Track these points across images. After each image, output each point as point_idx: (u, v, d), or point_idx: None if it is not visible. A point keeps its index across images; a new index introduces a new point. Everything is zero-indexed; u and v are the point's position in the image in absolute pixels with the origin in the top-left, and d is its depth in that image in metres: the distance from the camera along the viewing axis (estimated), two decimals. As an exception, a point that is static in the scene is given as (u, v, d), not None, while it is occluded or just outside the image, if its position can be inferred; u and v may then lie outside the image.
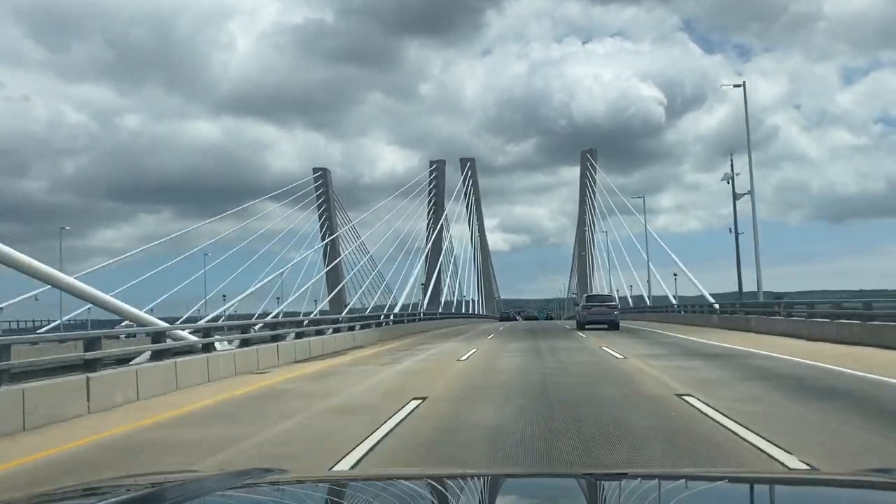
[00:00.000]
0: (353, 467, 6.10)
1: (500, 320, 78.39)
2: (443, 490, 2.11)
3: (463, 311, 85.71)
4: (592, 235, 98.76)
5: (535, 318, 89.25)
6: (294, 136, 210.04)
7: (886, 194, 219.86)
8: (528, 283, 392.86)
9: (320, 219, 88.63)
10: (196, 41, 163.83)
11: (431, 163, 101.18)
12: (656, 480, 2.18)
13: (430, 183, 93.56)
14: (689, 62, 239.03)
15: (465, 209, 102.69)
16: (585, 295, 39.93)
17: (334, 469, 5.96)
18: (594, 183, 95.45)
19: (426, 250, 79.21)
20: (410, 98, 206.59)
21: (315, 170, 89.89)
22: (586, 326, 31.97)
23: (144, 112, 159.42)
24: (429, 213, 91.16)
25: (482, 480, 2.26)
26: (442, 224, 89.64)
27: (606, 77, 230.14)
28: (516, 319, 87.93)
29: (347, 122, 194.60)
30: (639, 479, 2.24)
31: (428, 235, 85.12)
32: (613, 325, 31.56)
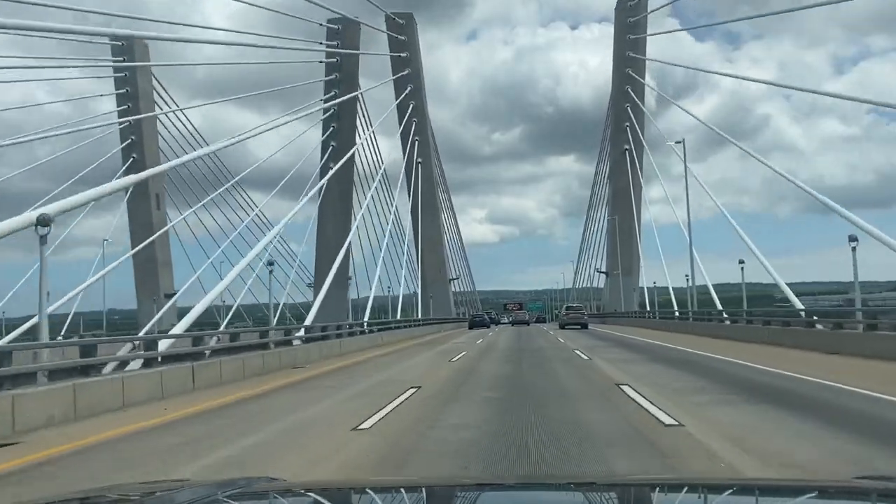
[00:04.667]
0: None
1: (471, 327, 54.16)
2: (430, 500, 2.14)
3: (399, 315, 47.76)
4: (638, 168, 60.68)
5: (525, 323, 62.98)
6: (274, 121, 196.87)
7: (876, 185, 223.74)
8: (517, 275, 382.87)
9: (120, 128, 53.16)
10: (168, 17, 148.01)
11: (331, 20, 55.19)
12: (646, 488, 2.22)
13: (327, 57, 55.04)
14: (679, 49, 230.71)
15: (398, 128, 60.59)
16: (565, 305, 55.87)
17: (326, 478, 5.91)
18: (640, 67, 59.26)
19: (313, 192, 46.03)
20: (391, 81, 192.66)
21: (115, 39, 49.69)
22: (566, 327, 45.45)
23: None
24: (325, 118, 54.22)
25: (472, 492, 2.27)
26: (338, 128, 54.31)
27: (593, 63, 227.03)
28: (499, 323, 64.42)
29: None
30: (631, 486, 2.28)
31: (323, 164, 51.84)
32: (584, 326, 45.34)
